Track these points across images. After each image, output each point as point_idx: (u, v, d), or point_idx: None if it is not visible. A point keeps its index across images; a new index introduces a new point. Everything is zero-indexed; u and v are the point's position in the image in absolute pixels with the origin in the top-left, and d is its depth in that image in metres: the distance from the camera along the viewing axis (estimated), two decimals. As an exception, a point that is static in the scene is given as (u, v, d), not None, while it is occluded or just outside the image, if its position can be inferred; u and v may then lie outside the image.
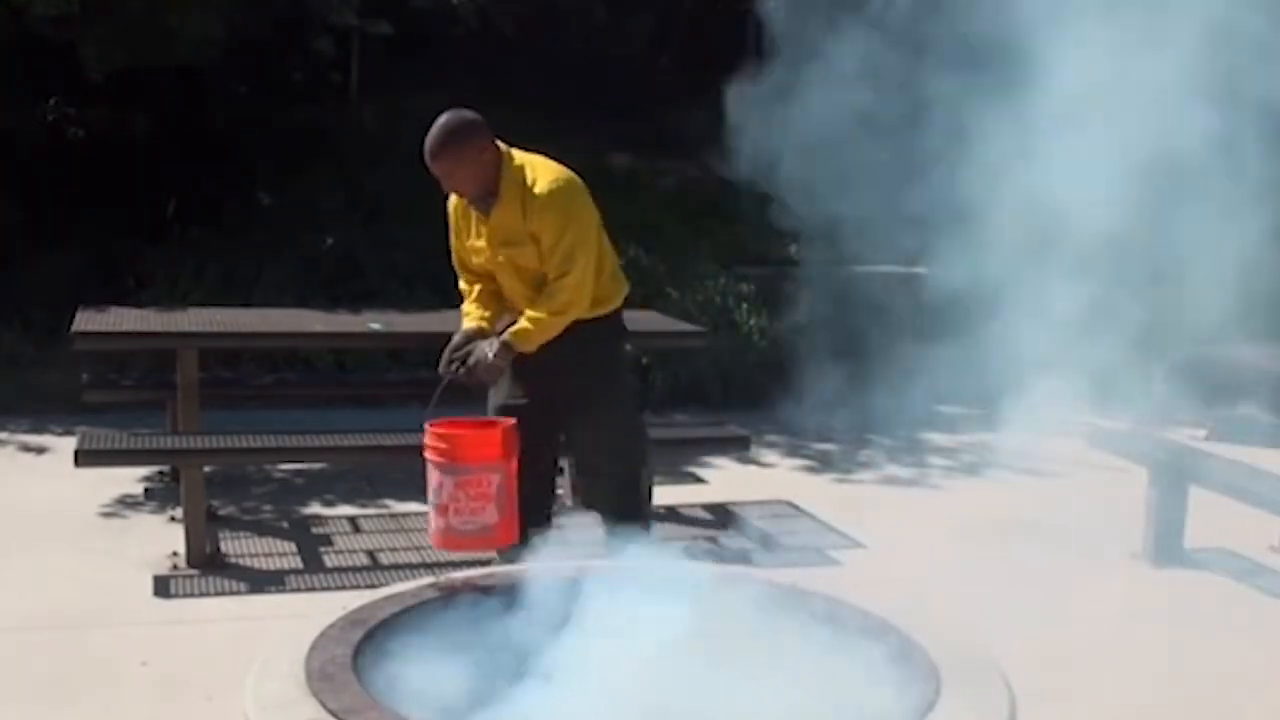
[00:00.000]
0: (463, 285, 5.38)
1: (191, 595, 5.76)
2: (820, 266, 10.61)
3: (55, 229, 10.42)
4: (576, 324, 5.15)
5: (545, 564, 3.73)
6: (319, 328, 7.18)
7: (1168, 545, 6.59)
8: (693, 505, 7.33)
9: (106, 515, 6.83)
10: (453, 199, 5.27)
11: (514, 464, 4.82)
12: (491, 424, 5.01)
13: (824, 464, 8.41)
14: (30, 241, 10.29)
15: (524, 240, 5.10)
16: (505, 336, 5.07)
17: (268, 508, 7.11)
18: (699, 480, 7.84)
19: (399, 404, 8.66)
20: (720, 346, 9.79)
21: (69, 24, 9.13)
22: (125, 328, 6.78)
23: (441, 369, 5.17)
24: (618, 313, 5.40)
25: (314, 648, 3.07)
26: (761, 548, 6.68)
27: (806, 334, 10.13)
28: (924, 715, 2.87)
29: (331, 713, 2.76)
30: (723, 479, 7.87)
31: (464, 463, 4.65)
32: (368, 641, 3.15)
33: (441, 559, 5.89)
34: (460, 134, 5.07)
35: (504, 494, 4.68)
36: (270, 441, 6.33)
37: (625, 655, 3.31)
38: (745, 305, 10.59)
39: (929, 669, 3.09)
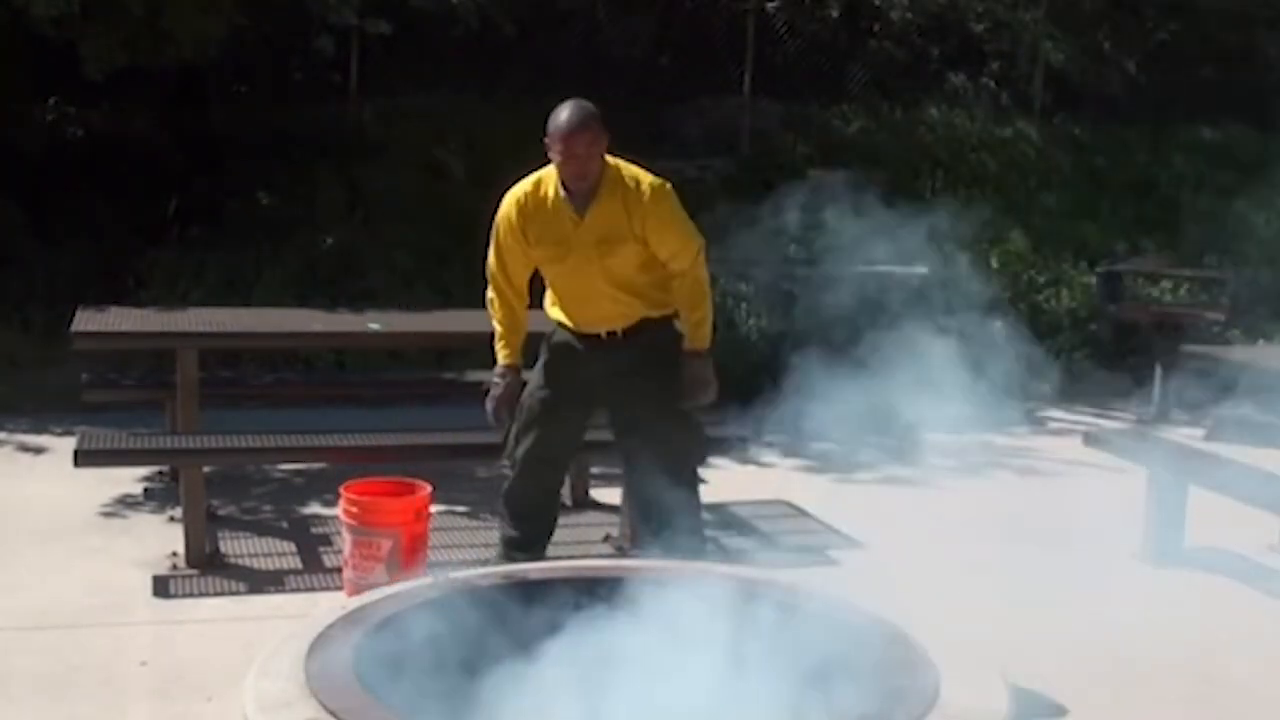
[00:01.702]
0: (495, 301, 5.40)
1: (191, 595, 5.76)
2: (819, 266, 10.62)
3: (55, 229, 10.42)
4: (646, 322, 5.25)
5: (545, 565, 3.74)
6: (318, 327, 7.18)
7: (1167, 545, 6.60)
8: (692, 505, 7.32)
9: (106, 515, 6.84)
10: (510, 206, 5.23)
11: (418, 528, 5.53)
12: (406, 488, 5.46)
13: (823, 464, 8.40)
14: (30, 241, 10.29)
15: (626, 239, 5.10)
16: (696, 345, 5.25)
17: (267, 508, 7.11)
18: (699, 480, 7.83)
19: (398, 404, 8.69)
20: (719, 347, 9.78)
21: (69, 24, 9.13)
22: (125, 328, 6.78)
23: (494, 421, 5.32)
24: (675, 314, 5.40)
25: (313, 648, 3.08)
26: (760, 548, 6.67)
27: (806, 334, 10.15)
28: (924, 713, 2.88)
29: (331, 713, 2.77)
30: (721, 479, 7.85)
31: (362, 525, 5.27)
32: (367, 641, 3.16)
33: (440, 559, 5.91)
34: (598, 118, 5.09)
35: (395, 557, 5.33)
36: (270, 441, 6.33)
37: (625, 656, 3.32)
38: (744, 305, 10.59)
39: (928, 668, 3.10)
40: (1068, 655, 5.30)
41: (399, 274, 10.35)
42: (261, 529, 6.73)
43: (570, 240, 5.12)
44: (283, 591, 5.85)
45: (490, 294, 5.37)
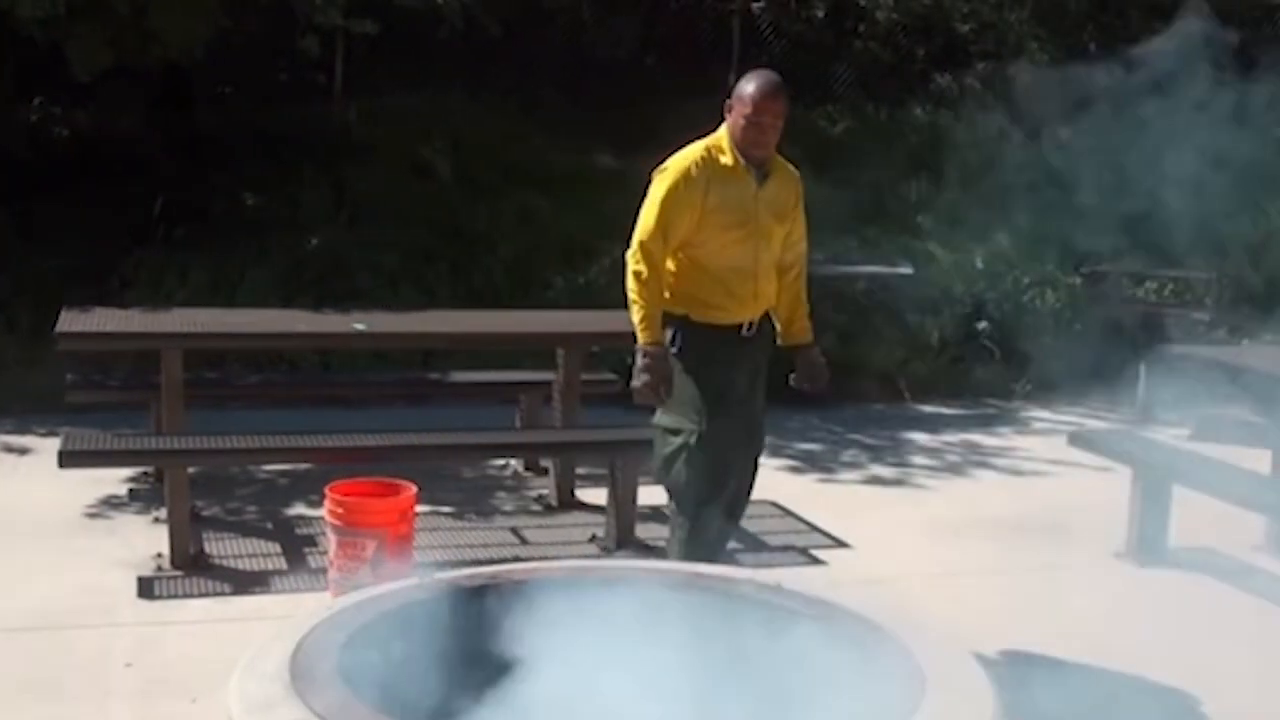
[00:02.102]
0: (645, 276, 5.02)
1: (176, 596, 5.75)
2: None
3: (40, 229, 10.40)
4: (767, 312, 5.27)
5: (530, 565, 3.74)
6: (303, 328, 7.17)
7: (1151, 544, 6.62)
8: (678, 505, 7.33)
9: (91, 516, 6.82)
10: (687, 165, 5.04)
11: (403, 528, 5.51)
12: (391, 489, 5.47)
13: (808, 464, 8.41)
14: (15, 241, 10.27)
15: (788, 216, 5.20)
16: (809, 338, 5.37)
17: (252, 509, 7.10)
18: (684, 480, 7.83)
19: (383, 404, 8.69)
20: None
21: (55, 25, 9.11)
22: (109, 328, 6.77)
23: (657, 401, 5.07)
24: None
25: (298, 649, 3.07)
26: (746, 548, 6.68)
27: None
28: (910, 714, 2.89)
29: (316, 714, 2.76)
30: (707, 479, 7.86)
31: (347, 525, 5.28)
32: (352, 642, 3.15)
33: (425, 560, 5.90)
34: (785, 87, 5.08)
35: (381, 558, 5.35)
36: (254, 442, 6.33)
37: (611, 655, 3.33)
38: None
39: (914, 668, 3.11)
40: (1053, 653, 5.32)
41: (384, 274, 10.35)
42: (246, 530, 6.72)
43: (749, 208, 5.05)
44: (268, 592, 5.85)
45: (640, 268, 5.01)
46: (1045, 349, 10.84)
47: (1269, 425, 7.73)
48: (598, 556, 6.32)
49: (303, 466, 7.52)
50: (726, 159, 5.05)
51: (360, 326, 7.00)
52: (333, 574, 5.54)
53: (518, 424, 7.97)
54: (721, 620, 3.45)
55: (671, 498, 5.16)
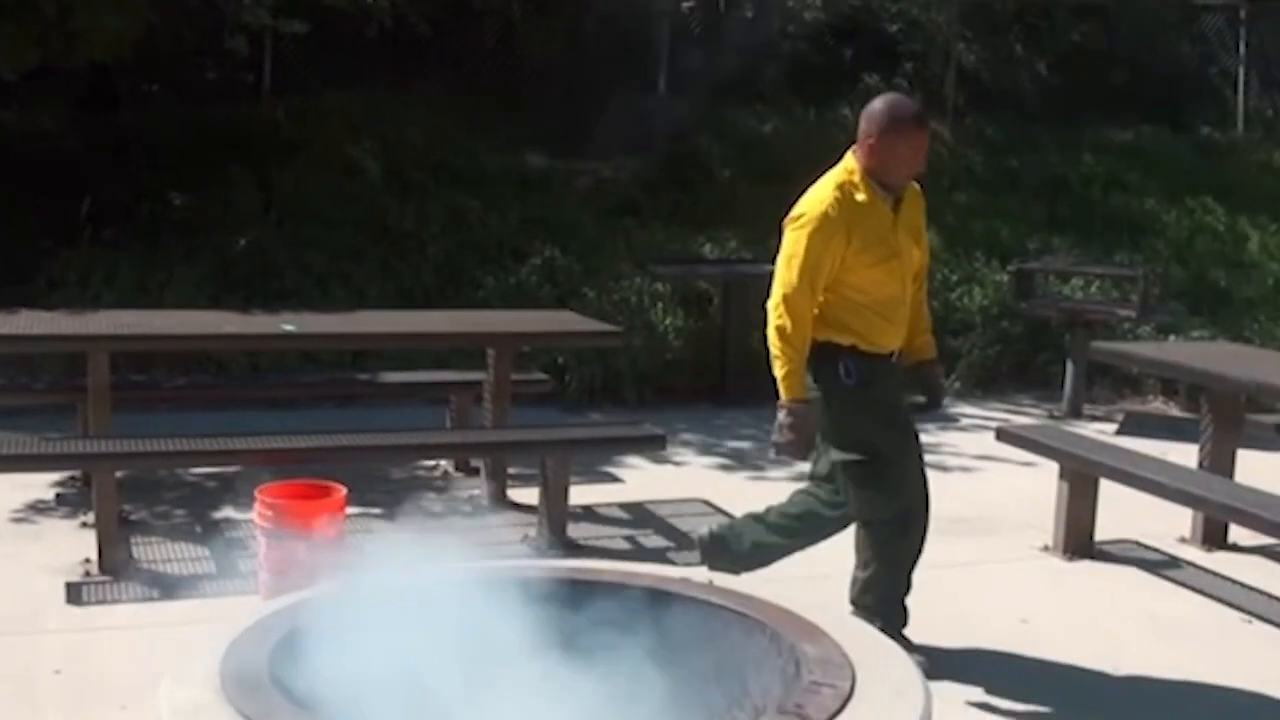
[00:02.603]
0: (789, 325, 4.94)
1: (104, 602, 5.71)
2: (734, 265, 10.68)
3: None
4: None
5: (463, 566, 3.73)
6: (231, 329, 7.14)
7: (1078, 538, 6.69)
8: (609, 505, 7.35)
9: (17, 521, 6.76)
10: (826, 209, 4.91)
11: (333, 530, 5.53)
12: (320, 491, 5.47)
13: (738, 462, 8.45)
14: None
15: (920, 238, 5.17)
16: (933, 354, 5.34)
17: (180, 512, 7.05)
18: (615, 480, 7.86)
19: (313, 405, 8.65)
20: (636, 346, 9.83)
21: (-22, 23, 9.01)
22: (36, 330, 6.71)
23: (799, 458, 5.19)
24: None
25: (229, 653, 3.06)
26: (677, 546, 6.70)
27: (722, 332, 10.21)
28: (840, 708, 2.91)
29: (246, 718, 2.76)
30: (639, 478, 7.89)
31: (277, 528, 5.29)
32: (283, 646, 3.14)
33: (355, 562, 5.88)
34: None
35: (311, 560, 5.18)
36: (183, 445, 6.29)
37: (541, 655, 3.33)
38: (660, 305, 10.62)
39: (844, 661, 3.13)
40: (982, 645, 5.37)
41: (313, 275, 10.29)
42: (175, 534, 6.68)
43: (890, 241, 4.99)
44: (197, 597, 5.81)
45: (783, 322, 4.92)
46: (973, 346, 10.93)
47: (1194, 420, 7.84)
48: (530, 556, 6.32)
49: (232, 469, 7.47)
50: (861, 195, 4.93)
51: (289, 327, 6.97)
52: (263, 577, 5.52)
53: (448, 424, 7.96)
54: (655, 620, 3.46)
55: (872, 525, 5.18)
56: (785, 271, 4.92)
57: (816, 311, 4.96)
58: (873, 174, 4.93)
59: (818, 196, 4.95)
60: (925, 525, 5.23)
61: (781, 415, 4.92)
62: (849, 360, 4.99)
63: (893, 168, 4.92)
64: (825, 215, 4.87)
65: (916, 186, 5.15)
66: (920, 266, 5.21)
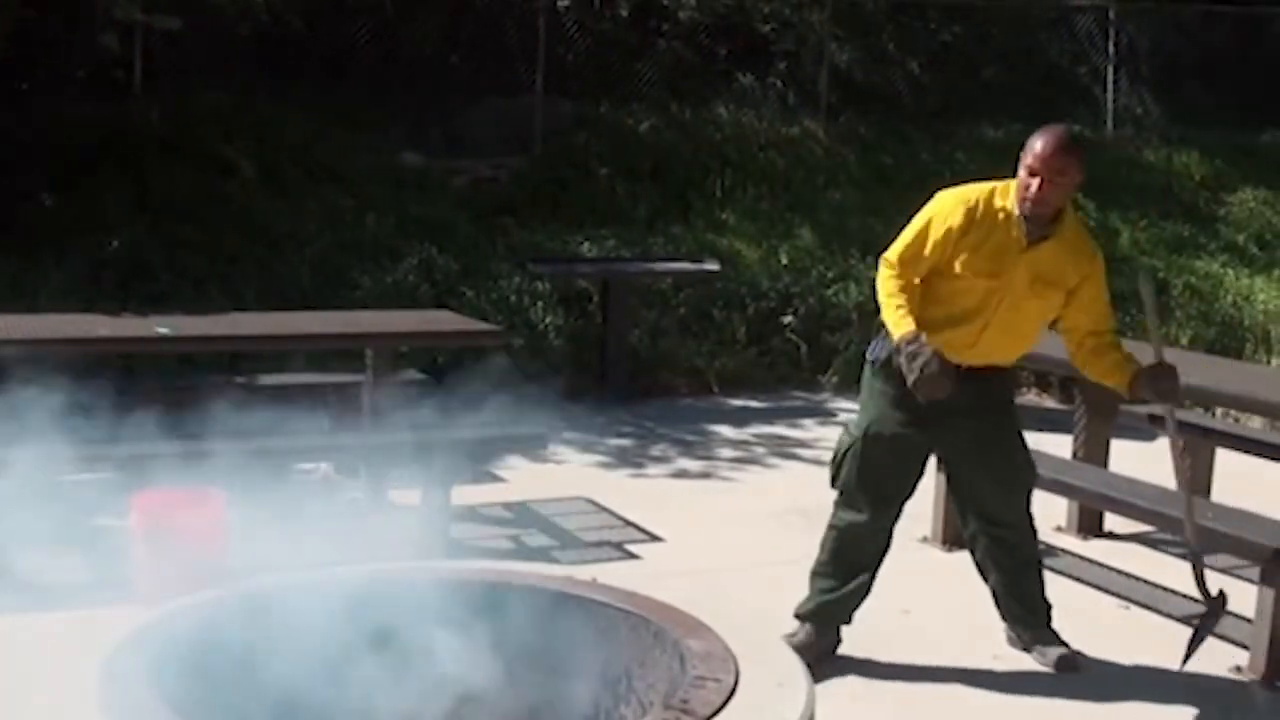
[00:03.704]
0: (891, 275, 5.10)
1: (-24, 611, 5.60)
2: (611, 264, 10.71)
3: None
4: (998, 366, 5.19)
5: (342, 571, 3.72)
6: (104, 332, 7.03)
7: (957, 528, 6.76)
8: (492, 504, 7.34)
9: (-117, 530, 6.60)
10: (956, 203, 4.99)
11: (213, 537, 5.55)
12: (199, 497, 5.45)
13: (619, 460, 8.48)
14: None
15: (1062, 284, 4.99)
16: (1131, 370, 5.01)
17: (54, 519, 6.91)
18: (497, 479, 7.85)
19: (190, 410, 8.51)
20: (516, 345, 9.82)
21: None
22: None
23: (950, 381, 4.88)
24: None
25: (108, 663, 3.03)
26: (561, 545, 6.72)
27: (602, 330, 10.23)
28: (725, 702, 2.94)
29: (126, 728, 2.73)
30: (521, 477, 7.89)
31: (156, 535, 5.24)
32: (163, 655, 3.11)
33: (236, 568, 5.82)
34: (1081, 153, 4.96)
35: (190, 568, 5.23)
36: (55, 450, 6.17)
37: (425, 661, 3.33)
38: (540, 304, 10.62)
39: (727, 656, 3.16)
40: (864, 636, 5.43)
41: (189, 276, 10.16)
42: (49, 542, 6.55)
43: (1006, 263, 4.93)
44: (74, 607, 5.71)
45: (881, 278, 5.15)
46: (849, 342, 11.05)
47: (1068, 411, 7.98)
48: (412, 559, 6.29)
49: (105, 476, 7.36)
50: (1002, 203, 4.96)
51: (164, 330, 6.88)
52: (141, 586, 5.44)
53: (327, 427, 7.90)
54: (537, 621, 3.47)
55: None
56: (905, 233, 5.07)
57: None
58: (1017, 194, 4.95)
59: (964, 189, 5.04)
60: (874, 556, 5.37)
61: (899, 359, 4.93)
62: (885, 341, 5.12)
63: (1020, 192, 4.92)
64: (953, 207, 4.98)
65: (1089, 248, 5.07)
66: (1082, 318, 5.11)
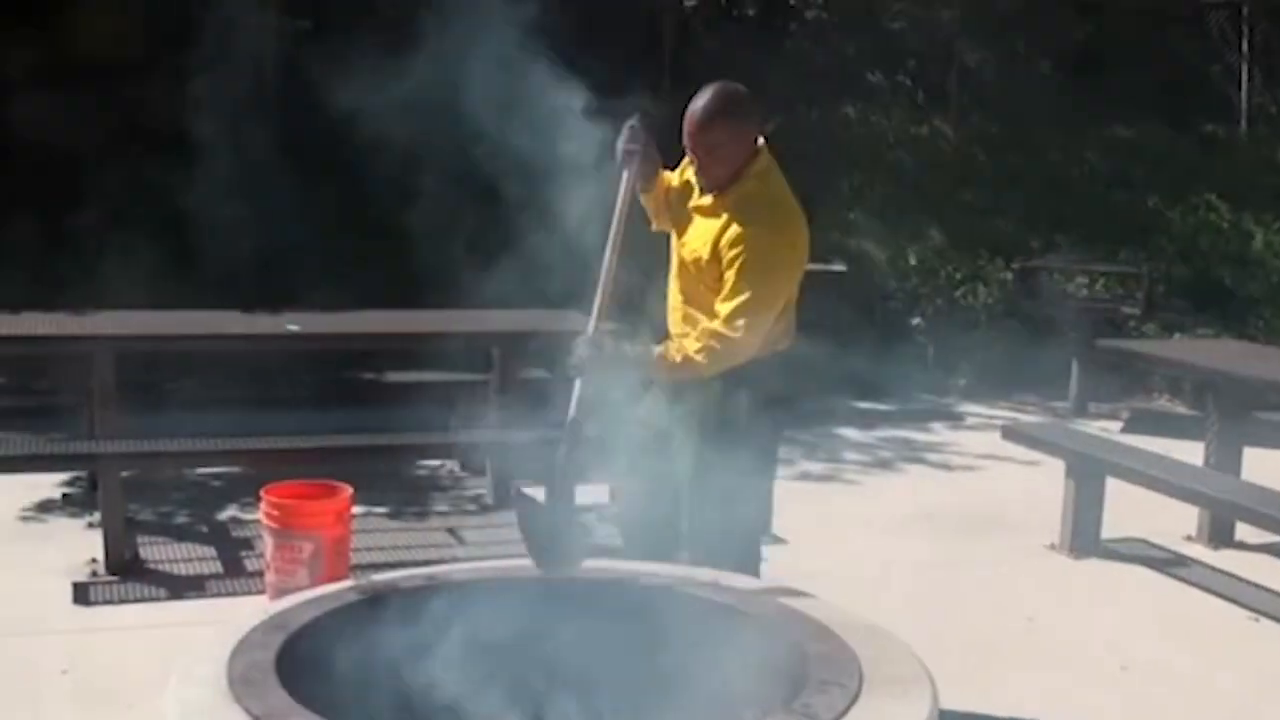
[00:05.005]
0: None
1: (111, 602, 5.71)
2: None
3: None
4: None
5: (469, 566, 3.74)
6: (237, 329, 7.13)
7: (1085, 536, 6.68)
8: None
9: (24, 521, 6.76)
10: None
11: (339, 530, 5.54)
12: (327, 491, 5.49)
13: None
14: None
15: (709, 245, 4.15)
16: (639, 354, 4.23)
17: (187, 512, 7.05)
18: (621, 478, 7.84)
19: (317, 406, 8.64)
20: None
21: None
22: (40, 331, 6.71)
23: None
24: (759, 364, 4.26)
25: (236, 653, 3.06)
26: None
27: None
28: (848, 707, 2.91)
29: (254, 717, 2.76)
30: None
31: (284, 528, 5.29)
32: (290, 646, 3.14)
33: (362, 562, 5.89)
34: (734, 110, 4.17)
35: (318, 560, 5.37)
36: (189, 445, 6.29)
37: (550, 656, 3.34)
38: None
39: (851, 660, 3.13)
40: (986, 643, 5.36)
41: (318, 275, 10.28)
42: (181, 534, 6.68)
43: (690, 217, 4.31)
44: (204, 597, 5.81)
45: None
46: (978, 344, 10.93)
47: (1200, 417, 7.83)
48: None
49: (236, 469, 7.48)
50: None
51: (294, 327, 6.97)
52: (270, 577, 5.52)
53: (454, 424, 7.95)
54: (663, 620, 3.46)
55: None
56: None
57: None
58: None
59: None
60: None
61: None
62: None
63: None
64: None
65: (748, 227, 4.12)
66: (703, 288, 4.27)
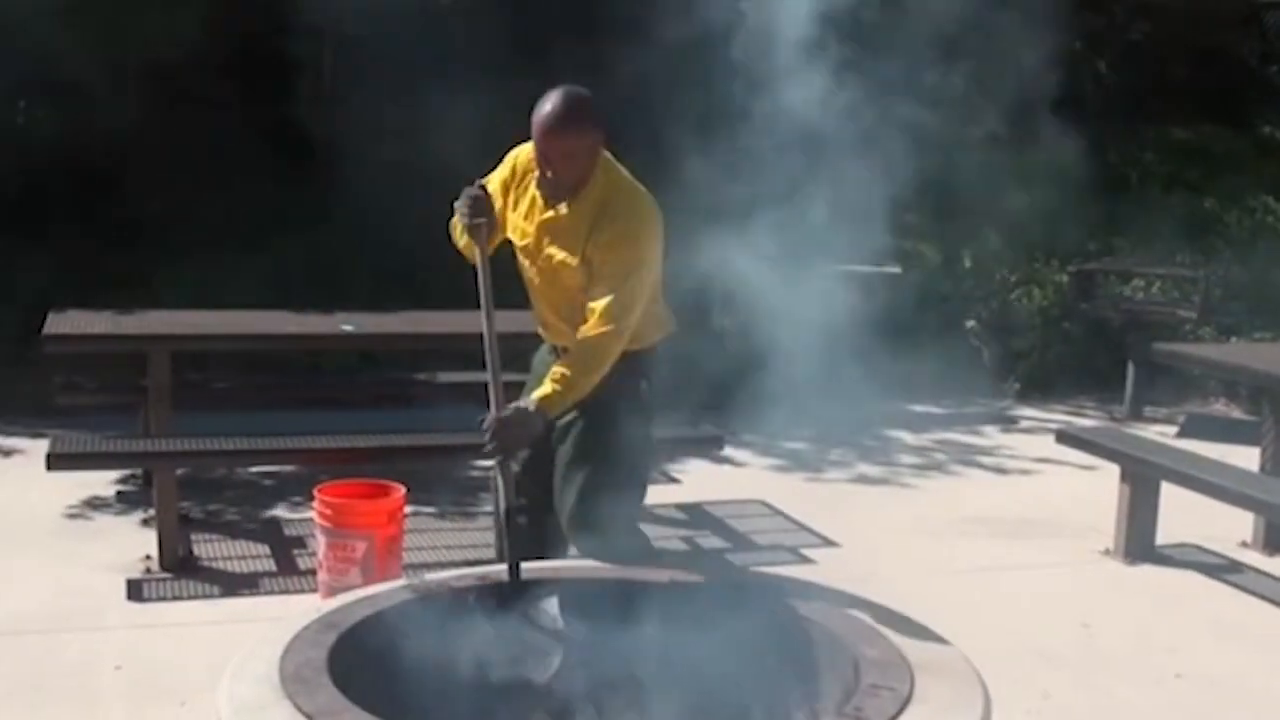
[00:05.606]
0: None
1: (165, 598, 5.75)
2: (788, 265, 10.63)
3: (27, 229, 10.34)
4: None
5: (524, 566, 3.73)
6: (293, 329, 7.16)
7: (1140, 542, 6.63)
8: (667, 505, 7.33)
9: (79, 518, 6.81)
10: (524, 155, 4.31)
11: (392, 530, 5.57)
12: (380, 490, 5.50)
13: (796, 463, 8.42)
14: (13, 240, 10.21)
15: (577, 254, 4.17)
16: (536, 404, 4.22)
17: (239, 511, 7.09)
18: (673, 480, 7.84)
19: (371, 405, 8.67)
20: (694, 347, 9.79)
21: None
22: (96, 330, 6.75)
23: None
24: (641, 353, 4.38)
25: (288, 650, 3.07)
26: (736, 547, 6.69)
27: (777, 335, 10.16)
28: (900, 710, 2.90)
29: (306, 715, 2.76)
30: (696, 479, 7.87)
31: (337, 527, 5.31)
32: (342, 644, 3.15)
33: (414, 561, 5.92)
34: (585, 115, 4.09)
35: (370, 559, 5.41)
36: (243, 444, 6.32)
37: (605, 656, 3.33)
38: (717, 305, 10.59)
39: (903, 664, 3.12)
40: (1041, 649, 5.33)
41: (373, 276, 10.33)
42: (235, 532, 6.72)
43: (532, 226, 4.30)
44: (257, 594, 5.84)
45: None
46: (1033, 347, 10.86)
47: (1257, 422, 7.75)
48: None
49: (289, 468, 7.52)
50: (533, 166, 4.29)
51: (348, 327, 7.00)
52: (322, 575, 5.55)
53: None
54: (710, 617, 3.45)
55: None
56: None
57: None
58: None
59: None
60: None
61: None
62: None
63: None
64: (511, 159, 4.39)
65: (612, 228, 4.16)
66: (574, 290, 4.32)
